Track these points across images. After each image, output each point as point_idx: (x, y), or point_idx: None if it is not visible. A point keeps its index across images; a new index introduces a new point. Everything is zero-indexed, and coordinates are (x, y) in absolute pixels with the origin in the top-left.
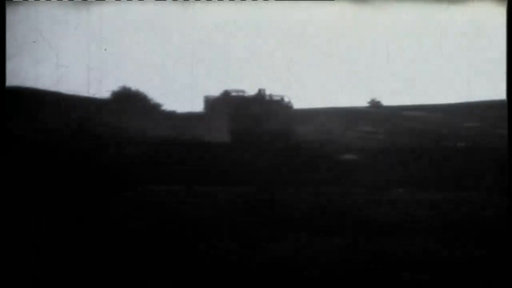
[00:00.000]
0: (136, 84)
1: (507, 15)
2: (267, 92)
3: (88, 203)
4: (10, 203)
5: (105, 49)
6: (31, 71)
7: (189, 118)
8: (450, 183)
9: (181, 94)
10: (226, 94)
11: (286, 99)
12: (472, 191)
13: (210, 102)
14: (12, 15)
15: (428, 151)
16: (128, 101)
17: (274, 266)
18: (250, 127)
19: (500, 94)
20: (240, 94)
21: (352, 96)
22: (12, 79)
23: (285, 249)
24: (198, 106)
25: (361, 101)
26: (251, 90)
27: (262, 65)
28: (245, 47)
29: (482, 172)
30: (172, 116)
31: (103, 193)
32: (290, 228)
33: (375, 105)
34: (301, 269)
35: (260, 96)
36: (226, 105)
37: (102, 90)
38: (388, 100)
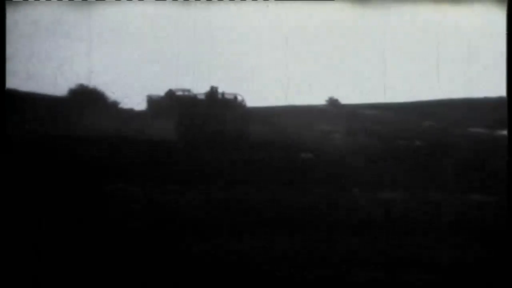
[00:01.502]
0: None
1: (507, 15)
2: (220, 90)
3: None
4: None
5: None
6: (31, 71)
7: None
8: (408, 182)
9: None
10: (171, 93)
11: (239, 98)
12: (432, 190)
13: (155, 101)
14: (12, 15)
15: (386, 150)
16: (85, 99)
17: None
18: (198, 127)
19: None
20: (186, 93)
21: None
22: (13, 79)
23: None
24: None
25: (321, 100)
26: (202, 89)
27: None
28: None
29: (440, 171)
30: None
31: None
32: (248, 227)
33: (333, 103)
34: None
35: (210, 95)
36: (173, 105)
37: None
38: (349, 99)
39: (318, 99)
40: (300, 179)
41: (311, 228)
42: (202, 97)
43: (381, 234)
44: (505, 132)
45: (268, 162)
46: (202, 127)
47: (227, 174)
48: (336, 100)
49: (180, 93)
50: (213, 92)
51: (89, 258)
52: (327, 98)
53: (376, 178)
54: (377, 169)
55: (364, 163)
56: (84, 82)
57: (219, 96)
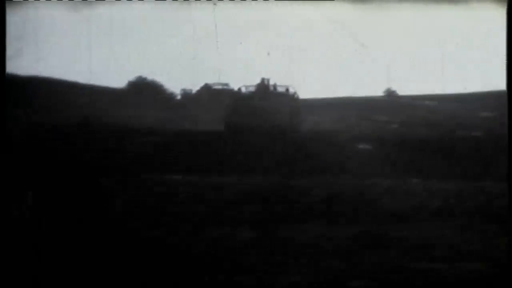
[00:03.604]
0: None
1: (507, 15)
2: (272, 83)
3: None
4: (10, 201)
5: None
6: (31, 71)
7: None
8: (465, 172)
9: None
10: (207, 88)
11: (291, 90)
12: (487, 180)
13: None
14: (12, 15)
15: (443, 140)
16: (142, 92)
17: (292, 254)
18: (252, 119)
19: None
20: (225, 87)
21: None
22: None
23: (304, 237)
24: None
25: (376, 91)
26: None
27: (267, 62)
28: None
29: (497, 161)
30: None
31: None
32: (306, 218)
33: (390, 94)
34: (320, 259)
35: (262, 87)
36: (212, 98)
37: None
38: (403, 90)
39: (376, 90)
40: (358, 169)
41: (368, 218)
42: (253, 89)
43: (437, 224)
44: None
45: (325, 153)
46: (256, 119)
47: (284, 166)
48: (394, 91)
49: (218, 87)
50: (264, 84)
51: (91, 255)
52: (384, 90)
53: (433, 168)
54: (434, 159)
55: (421, 153)
56: (84, 80)
57: (271, 88)
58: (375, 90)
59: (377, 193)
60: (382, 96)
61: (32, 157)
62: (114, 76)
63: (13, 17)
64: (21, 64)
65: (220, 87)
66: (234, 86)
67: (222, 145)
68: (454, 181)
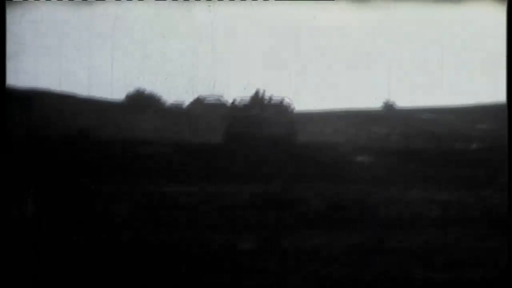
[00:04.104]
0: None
1: (507, 15)
2: (268, 94)
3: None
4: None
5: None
6: (32, 71)
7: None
8: (465, 183)
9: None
10: (199, 100)
11: (287, 101)
12: (486, 191)
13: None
14: (12, 15)
15: (442, 152)
16: (139, 103)
17: (292, 262)
18: (248, 130)
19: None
20: (217, 100)
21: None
22: (12, 80)
23: (305, 245)
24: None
25: (375, 103)
26: (251, 92)
27: (264, 66)
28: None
29: (496, 172)
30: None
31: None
32: (308, 226)
33: (389, 107)
34: (320, 265)
35: (257, 98)
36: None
37: (106, 92)
38: (400, 101)
39: (374, 102)
40: (357, 180)
41: (368, 228)
42: (249, 100)
43: (438, 234)
44: None
45: (323, 164)
46: (252, 130)
47: (283, 177)
48: (392, 104)
49: (211, 99)
50: (260, 95)
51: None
52: (383, 101)
53: (433, 179)
54: (432, 170)
55: (420, 165)
56: (85, 81)
57: (267, 99)
58: (374, 102)
59: (376, 203)
60: (380, 108)
61: (32, 160)
62: (113, 77)
63: (13, 17)
64: (20, 64)
65: (213, 99)
66: (230, 93)
67: (221, 155)
68: (453, 191)
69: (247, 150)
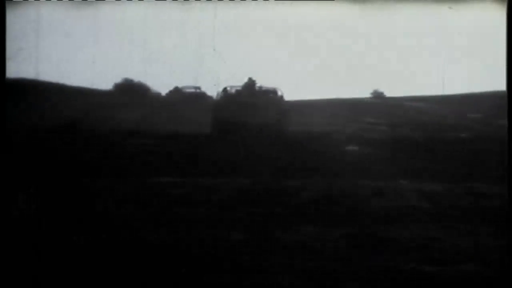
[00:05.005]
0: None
1: (507, 15)
2: (258, 84)
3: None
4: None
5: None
6: (32, 71)
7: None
8: (454, 174)
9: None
10: (177, 90)
11: (277, 90)
12: (476, 182)
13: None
14: (12, 15)
15: (431, 142)
16: (130, 93)
17: (284, 256)
18: (237, 119)
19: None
20: (197, 90)
21: (353, 88)
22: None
23: (294, 238)
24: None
25: (363, 93)
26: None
27: (260, 63)
28: (245, 46)
29: (485, 162)
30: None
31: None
32: (297, 220)
33: (378, 96)
34: (311, 260)
35: (248, 87)
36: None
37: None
38: (390, 91)
39: (363, 92)
40: (347, 171)
41: (357, 220)
42: (239, 89)
43: (425, 225)
44: None
45: (312, 155)
46: (241, 119)
47: (271, 167)
48: (381, 93)
49: (191, 90)
50: (251, 84)
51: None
52: (372, 91)
53: (422, 170)
54: (422, 161)
55: (409, 155)
56: (88, 81)
57: (257, 88)
58: (363, 91)
59: (366, 195)
60: (370, 98)
61: (27, 157)
62: (113, 77)
63: (13, 17)
64: (20, 64)
65: (192, 90)
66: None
67: (211, 145)
68: (444, 183)
69: (236, 138)
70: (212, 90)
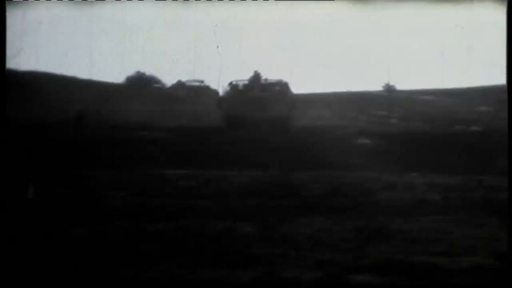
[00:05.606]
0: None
1: (507, 15)
2: (264, 77)
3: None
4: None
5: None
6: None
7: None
8: (464, 167)
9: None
10: (181, 84)
11: (284, 83)
12: (486, 174)
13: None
14: (12, 15)
15: (442, 135)
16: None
17: (294, 248)
18: (246, 112)
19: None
20: (201, 84)
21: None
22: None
23: (301, 232)
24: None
25: (374, 86)
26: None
27: (263, 58)
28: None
29: (496, 155)
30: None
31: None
32: (306, 212)
33: (388, 89)
34: (321, 252)
35: (257, 80)
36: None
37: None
38: (401, 85)
39: (375, 86)
40: (357, 164)
41: (367, 212)
42: (246, 82)
43: (437, 218)
44: None
45: (324, 148)
46: (250, 112)
47: (281, 160)
48: (392, 86)
49: (196, 83)
50: (257, 77)
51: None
52: (383, 85)
53: (432, 162)
54: (433, 154)
55: (420, 148)
56: (87, 78)
57: (263, 81)
58: (374, 85)
59: (377, 187)
60: (381, 91)
61: (30, 152)
62: (113, 74)
63: (13, 17)
64: (21, 63)
65: (197, 83)
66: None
67: (223, 138)
68: (454, 175)
69: (246, 132)
70: (215, 84)
